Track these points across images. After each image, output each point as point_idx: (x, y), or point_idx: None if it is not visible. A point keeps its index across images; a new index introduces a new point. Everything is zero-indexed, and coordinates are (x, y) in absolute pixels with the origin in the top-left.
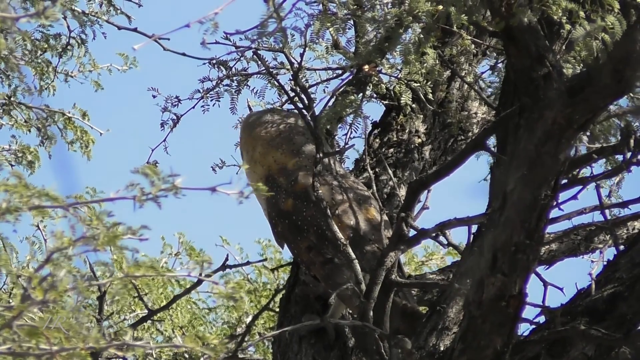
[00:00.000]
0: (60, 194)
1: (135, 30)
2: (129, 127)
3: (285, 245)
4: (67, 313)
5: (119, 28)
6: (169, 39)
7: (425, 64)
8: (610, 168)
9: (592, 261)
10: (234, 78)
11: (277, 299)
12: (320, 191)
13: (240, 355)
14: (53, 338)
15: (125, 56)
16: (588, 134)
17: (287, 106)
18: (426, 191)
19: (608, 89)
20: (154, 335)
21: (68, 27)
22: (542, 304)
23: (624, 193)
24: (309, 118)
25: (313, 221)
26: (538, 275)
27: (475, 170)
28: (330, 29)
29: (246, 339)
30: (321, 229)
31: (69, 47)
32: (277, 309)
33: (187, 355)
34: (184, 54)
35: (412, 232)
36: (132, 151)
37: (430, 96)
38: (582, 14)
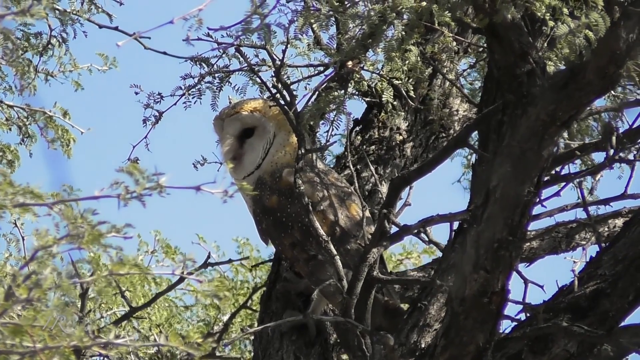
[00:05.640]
0: (51, 190)
1: (116, 28)
2: (109, 126)
3: (269, 242)
4: (51, 311)
5: (100, 27)
6: (149, 38)
7: (407, 61)
8: (585, 167)
9: (574, 261)
10: (216, 75)
11: (256, 297)
12: (302, 187)
13: (218, 354)
14: (37, 336)
15: (105, 56)
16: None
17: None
18: (408, 188)
19: (592, 85)
20: (130, 333)
21: (49, 25)
22: (522, 301)
23: (604, 191)
24: (292, 115)
25: (297, 218)
26: (519, 272)
27: (457, 167)
28: (314, 25)
29: (224, 337)
30: (305, 226)
31: (49, 45)
32: (255, 308)
33: (168, 355)
34: (164, 53)
35: (394, 229)
36: (110, 150)
37: (411, 93)
38: (565, 10)
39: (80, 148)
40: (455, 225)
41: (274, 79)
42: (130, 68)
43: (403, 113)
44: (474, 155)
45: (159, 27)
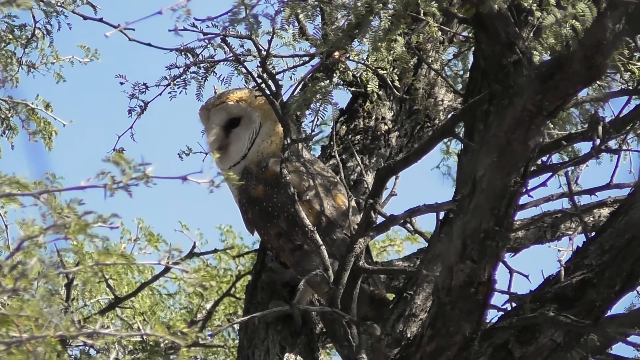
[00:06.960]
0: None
1: (100, 20)
2: (91, 119)
3: (255, 232)
4: (37, 301)
5: (85, 18)
6: (134, 29)
7: (393, 51)
8: (569, 157)
9: (559, 250)
10: (201, 65)
11: (239, 284)
12: (288, 177)
13: (201, 342)
14: (23, 326)
15: (86, 48)
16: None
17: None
18: (394, 178)
19: (578, 75)
20: (113, 321)
21: (34, 17)
22: (507, 291)
23: (589, 180)
24: (277, 105)
25: (283, 207)
26: (504, 262)
27: (436, 153)
28: (301, 16)
29: (207, 325)
30: (291, 216)
31: (33, 38)
32: (238, 295)
33: (151, 343)
34: (149, 44)
35: (380, 219)
36: (90, 142)
37: (397, 83)
38: (552, 1)
39: (61, 140)
40: (442, 215)
41: (260, 69)
42: (114, 59)
43: (388, 103)
44: (454, 141)
45: (146, 17)
